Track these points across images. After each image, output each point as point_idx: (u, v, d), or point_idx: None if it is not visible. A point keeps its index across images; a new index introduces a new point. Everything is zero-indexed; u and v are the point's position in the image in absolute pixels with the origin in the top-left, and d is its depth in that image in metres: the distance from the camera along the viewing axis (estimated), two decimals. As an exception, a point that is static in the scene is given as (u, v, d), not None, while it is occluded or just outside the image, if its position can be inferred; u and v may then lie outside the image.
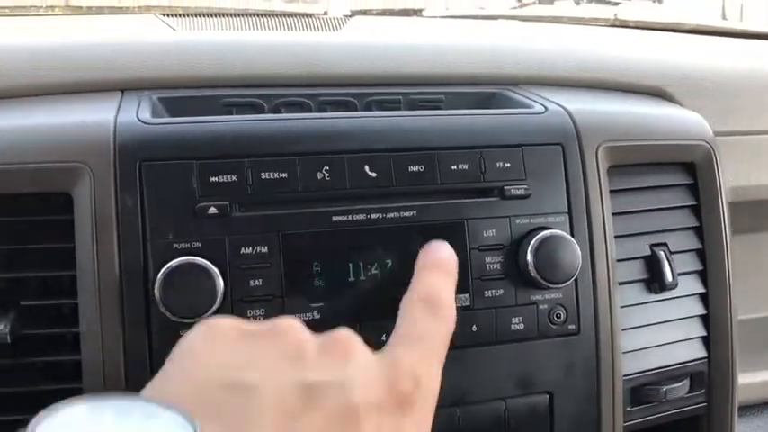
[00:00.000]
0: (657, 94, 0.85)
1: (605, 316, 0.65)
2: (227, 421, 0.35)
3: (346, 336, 0.43)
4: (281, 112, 0.71)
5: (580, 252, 0.61)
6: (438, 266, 0.49)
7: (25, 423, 0.32)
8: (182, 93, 0.71)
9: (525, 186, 0.63)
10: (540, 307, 0.62)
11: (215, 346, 0.40)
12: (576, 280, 0.63)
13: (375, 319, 0.59)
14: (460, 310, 0.60)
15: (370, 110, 0.74)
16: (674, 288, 0.70)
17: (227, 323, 0.42)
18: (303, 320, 0.57)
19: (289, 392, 0.37)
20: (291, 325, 0.42)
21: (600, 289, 0.65)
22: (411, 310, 0.46)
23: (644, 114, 0.77)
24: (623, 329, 0.67)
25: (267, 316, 0.57)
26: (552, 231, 0.61)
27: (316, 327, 0.57)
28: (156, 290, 0.54)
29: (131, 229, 0.56)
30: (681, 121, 0.77)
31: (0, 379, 0.56)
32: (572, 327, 0.63)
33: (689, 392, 0.71)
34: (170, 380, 0.39)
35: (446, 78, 0.79)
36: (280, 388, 0.37)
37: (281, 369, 0.39)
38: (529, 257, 0.61)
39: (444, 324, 0.45)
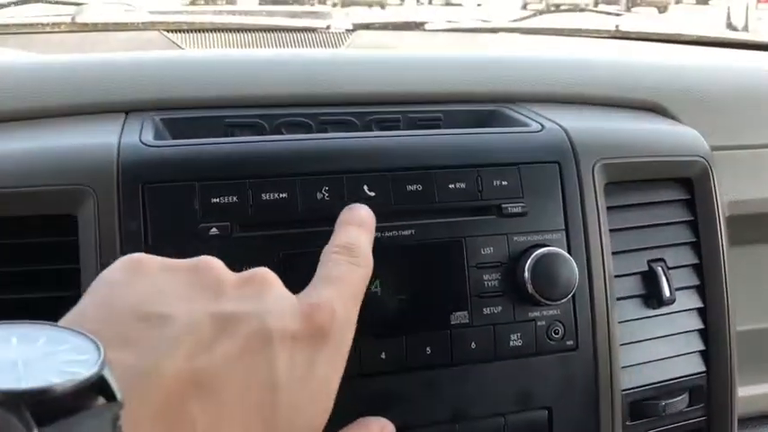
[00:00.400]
0: (653, 108, 0.85)
1: (603, 331, 0.65)
2: (139, 350, 0.36)
3: (263, 272, 0.44)
4: (282, 133, 0.73)
5: (577, 269, 0.62)
6: (357, 223, 0.52)
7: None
8: (184, 114, 0.72)
9: (522, 204, 0.64)
10: (538, 323, 0.63)
11: (134, 277, 0.41)
12: (573, 296, 0.63)
13: (373, 336, 0.60)
14: (458, 328, 0.61)
15: (370, 129, 0.75)
16: (671, 303, 0.70)
17: (148, 257, 0.43)
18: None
19: (203, 323, 0.38)
20: (211, 261, 0.43)
21: (598, 305, 0.65)
22: (329, 257, 0.48)
23: (640, 130, 0.78)
24: (621, 344, 0.68)
25: None
26: (549, 248, 0.62)
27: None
28: None
29: (134, 251, 0.57)
30: (677, 136, 0.78)
31: None
32: (570, 343, 0.64)
33: (688, 406, 0.71)
34: (86, 309, 0.39)
35: (445, 96, 0.80)
36: (194, 319, 0.38)
37: (197, 301, 0.39)
38: (526, 275, 0.61)
39: (361, 268, 0.48)
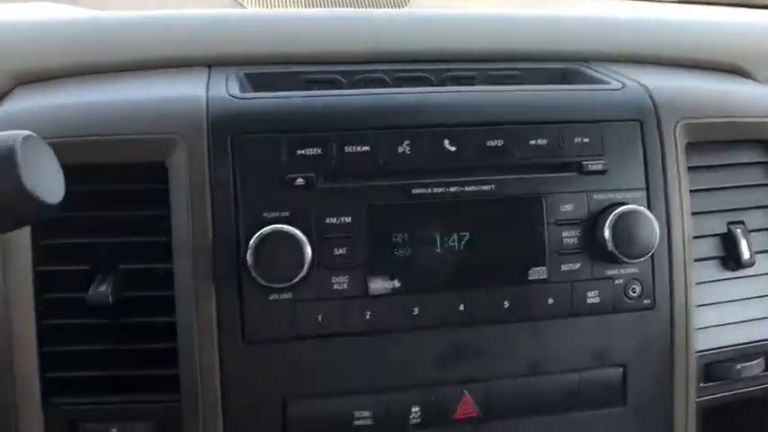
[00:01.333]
0: (733, 70, 0.84)
1: (680, 292, 0.65)
2: None
3: None
4: (360, 88, 0.73)
5: (658, 228, 0.62)
6: None
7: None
8: (266, 69, 0.73)
9: (603, 162, 0.64)
10: (616, 282, 0.63)
11: None
12: (652, 255, 0.63)
13: (453, 289, 0.61)
14: (537, 283, 0.62)
15: (446, 85, 0.75)
16: (750, 266, 0.70)
17: None
18: (384, 289, 0.60)
19: None
20: None
21: (676, 265, 0.65)
22: None
23: (722, 91, 0.76)
24: (698, 306, 0.67)
25: (350, 284, 0.59)
26: (630, 207, 0.62)
27: (395, 295, 0.60)
28: (247, 256, 0.56)
29: (224, 199, 0.59)
30: (758, 98, 0.76)
31: (101, 338, 0.60)
32: (647, 302, 0.64)
33: (764, 371, 0.70)
34: None
35: (521, 54, 0.79)
36: None
37: None
38: (606, 232, 0.61)
39: None
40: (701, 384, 0.68)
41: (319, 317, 0.59)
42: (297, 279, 0.57)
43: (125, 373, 0.60)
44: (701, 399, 0.68)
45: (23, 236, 0.59)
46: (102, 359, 0.60)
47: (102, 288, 0.58)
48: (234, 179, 0.59)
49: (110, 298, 0.58)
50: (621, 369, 0.64)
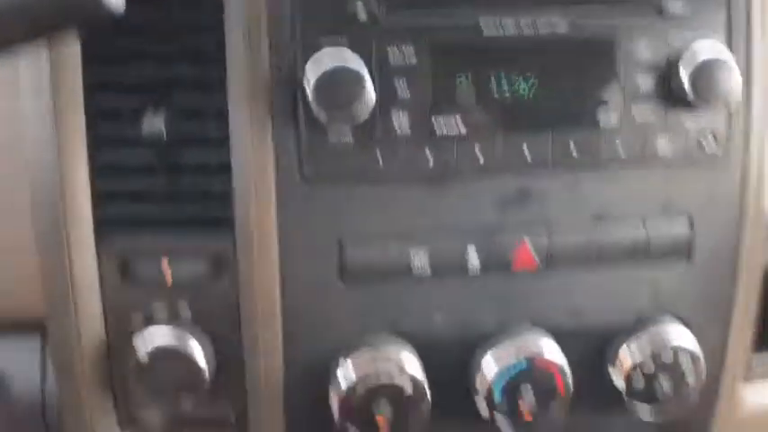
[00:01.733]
0: None
1: (757, 146, 0.62)
2: None
3: None
4: None
5: (738, 76, 0.58)
6: None
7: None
8: None
9: (683, 3, 0.59)
10: (690, 131, 0.60)
11: None
12: (729, 105, 0.60)
13: (517, 132, 0.58)
14: (607, 129, 0.59)
15: None
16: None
17: None
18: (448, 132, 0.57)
19: None
20: None
21: (754, 116, 0.61)
22: None
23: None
24: (772, 165, 0.64)
25: (414, 126, 0.57)
26: (712, 53, 0.58)
27: (459, 136, 0.57)
28: (308, 92, 0.54)
29: (281, 29, 0.55)
30: None
31: (154, 176, 0.58)
32: (720, 153, 0.61)
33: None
34: None
35: None
36: None
37: None
38: (684, 78, 0.58)
39: None
40: (770, 247, 0.66)
41: (380, 158, 0.57)
42: (359, 118, 0.55)
43: (177, 213, 0.59)
44: (768, 263, 0.66)
45: (75, 63, 0.56)
46: (154, 197, 0.58)
47: (156, 120, 0.56)
48: (292, 13, 0.55)
49: (164, 132, 0.56)
50: (689, 223, 0.62)
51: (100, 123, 0.58)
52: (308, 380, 0.60)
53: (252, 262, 0.58)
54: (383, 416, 0.57)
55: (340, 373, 0.58)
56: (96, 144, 0.58)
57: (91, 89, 0.57)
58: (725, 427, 0.69)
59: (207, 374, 0.58)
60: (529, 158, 0.58)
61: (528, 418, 0.59)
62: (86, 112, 0.57)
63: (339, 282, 0.59)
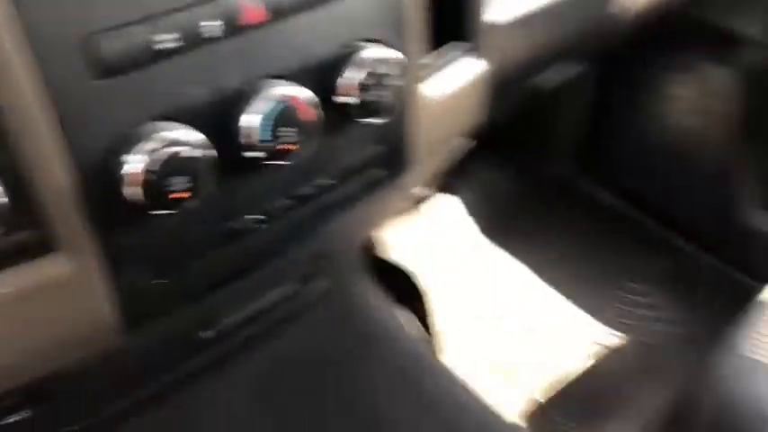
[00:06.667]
0: None
1: None
2: None
3: None
4: None
5: None
6: None
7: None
8: None
9: None
10: None
11: None
12: None
13: None
14: None
15: None
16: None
17: None
18: None
19: None
20: None
21: None
22: None
23: None
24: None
25: None
26: None
27: None
28: None
29: None
30: None
31: None
32: None
33: None
34: None
35: None
36: None
37: None
38: None
39: None
40: None
41: None
42: None
43: None
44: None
45: None
46: None
47: None
48: None
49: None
50: None
51: None
52: (101, 183, 0.61)
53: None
54: (180, 189, 0.62)
55: (127, 167, 0.60)
56: None
57: None
58: (415, 122, 0.88)
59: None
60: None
61: (292, 147, 0.68)
62: None
63: (96, 79, 0.59)
